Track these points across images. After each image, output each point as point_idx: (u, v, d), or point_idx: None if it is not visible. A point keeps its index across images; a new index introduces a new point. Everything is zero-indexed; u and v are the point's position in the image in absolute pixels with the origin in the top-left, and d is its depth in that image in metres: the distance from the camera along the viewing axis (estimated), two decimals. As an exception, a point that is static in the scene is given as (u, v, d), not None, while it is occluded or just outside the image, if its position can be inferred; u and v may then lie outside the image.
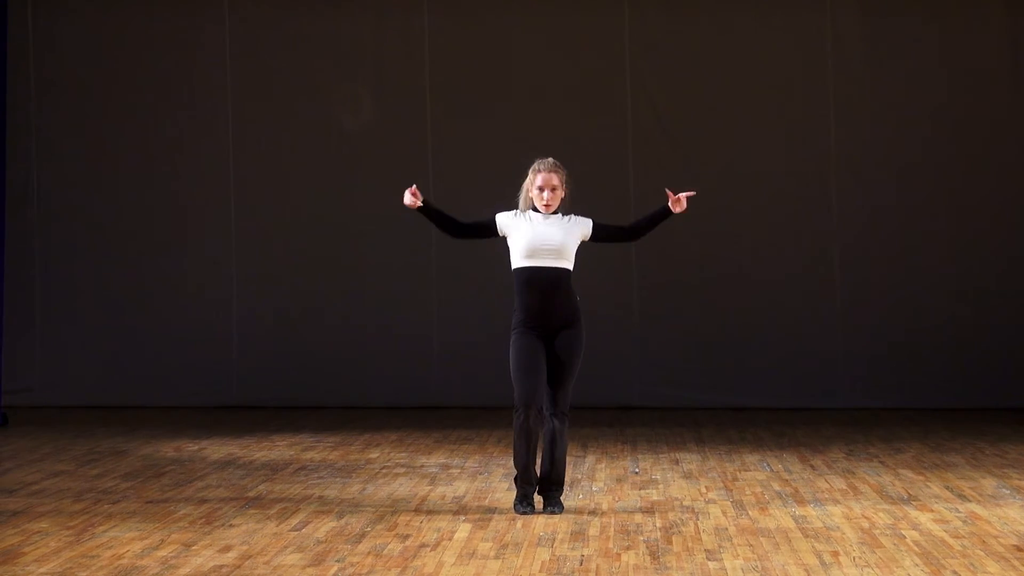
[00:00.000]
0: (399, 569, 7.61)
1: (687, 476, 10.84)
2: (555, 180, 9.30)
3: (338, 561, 7.81)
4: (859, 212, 15.28)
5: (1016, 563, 7.72)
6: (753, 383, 15.16)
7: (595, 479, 10.67)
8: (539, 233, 9.21)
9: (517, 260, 9.25)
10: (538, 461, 9.33)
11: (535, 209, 9.30)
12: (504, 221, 9.33)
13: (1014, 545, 8.19)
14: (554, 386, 9.22)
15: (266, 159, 15.65)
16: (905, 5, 15.24)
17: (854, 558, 7.87)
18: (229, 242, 15.60)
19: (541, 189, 9.28)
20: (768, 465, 11.36)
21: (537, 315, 9.20)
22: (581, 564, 7.73)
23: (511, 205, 9.38)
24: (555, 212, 9.31)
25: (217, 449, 12.31)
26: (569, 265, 9.27)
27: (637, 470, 11.15)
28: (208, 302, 15.57)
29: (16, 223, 14.83)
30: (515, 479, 9.35)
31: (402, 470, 11.10)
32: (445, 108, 15.48)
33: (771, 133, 15.34)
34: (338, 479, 10.69)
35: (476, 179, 14.62)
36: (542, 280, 9.20)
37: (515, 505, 9.23)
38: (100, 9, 15.67)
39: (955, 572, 7.51)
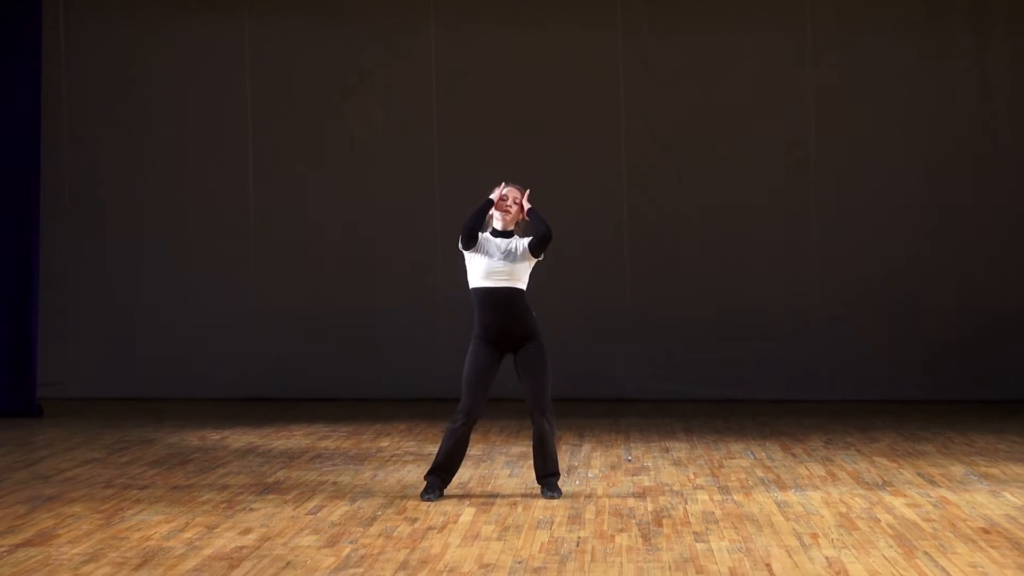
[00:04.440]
0: (408, 550, 7.62)
1: (676, 463, 10.84)
2: (516, 195, 9.32)
3: (351, 543, 7.82)
4: (838, 217, 15.27)
5: (983, 544, 7.73)
6: (738, 377, 15.16)
7: (591, 466, 10.68)
8: (493, 259, 9.21)
9: (474, 280, 9.28)
10: (460, 464, 9.36)
11: (494, 231, 9.29)
12: (479, 243, 9.29)
13: (981, 528, 8.20)
14: (533, 392, 9.22)
15: (283, 164, 15.66)
16: (879, 26, 15.23)
17: (832, 540, 7.89)
18: (248, 244, 15.60)
19: (504, 199, 9.29)
20: (752, 453, 11.37)
21: (494, 331, 9.23)
22: (578, 545, 7.74)
23: None
24: (511, 234, 9.29)
25: (238, 438, 12.32)
26: (522, 285, 9.27)
27: (630, 458, 11.15)
28: (230, 301, 15.57)
29: (49, 226, 14.82)
30: (428, 471, 9.33)
31: (411, 458, 11.11)
32: (449, 120, 15.47)
33: (756, 144, 15.31)
34: (351, 466, 10.70)
35: (478, 185, 14.56)
36: (496, 299, 9.22)
37: (423, 493, 9.19)
38: (128, 22, 15.66)
39: (926, 553, 7.52)
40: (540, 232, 9.22)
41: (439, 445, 9.36)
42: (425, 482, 9.29)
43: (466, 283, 9.33)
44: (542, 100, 15.40)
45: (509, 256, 9.22)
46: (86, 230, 15.65)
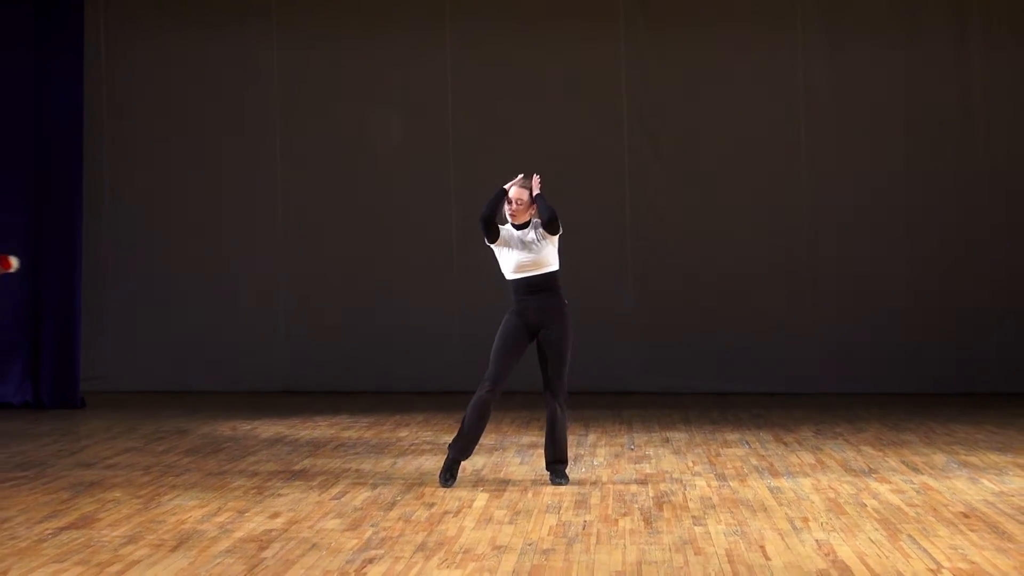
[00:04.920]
0: (426, 533, 7.63)
1: (676, 452, 10.84)
2: (523, 196, 9.31)
3: (372, 526, 7.83)
4: (827, 222, 15.27)
5: (963, 528, 7.73)
6: (734, 371, 15.16)
7: (596, 455, 10.69)
8: (518, 253, 9.21)
9: (507, 274, 9.29)
10: (480, 435, 9.32)
11: (513, 225, 9.29)
12: (501, 236, 9.30)
13: (961, 512, 8.20)
14: (550, 375, 9.22)
15: (309, 171, 15.67)
16: (866, 44, 15.22)
17: (822, 523, 7.89)
18: (276, 247, 15.62)
19: (510, 203, 9.28)
20: (747, 443, 11.36)
21: (528, 308, 9.21)
22: (584, 529, 7.75)
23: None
24: (526, 225, 9.30)
25: (267, 428, 12.34)
26: (552, 268, 9.26)
27: (633, 447, 11.15)
28: (258, 301, 15.59)
29: (90, 227, 14.85)
30: (451, 444, 9.30)
31: (428, 447, 11.12)
32: (464, 129, 15.48)
33: (751, 151, 15.31)
34: (372, 455, 10.71)
35: (491, 190, 14.60)
36: (531, 286, 9.22)
37: (440, 476, 9.19)
38: (164, 35, 15.67)
39: (910, 536, 7.52)
40: (544, 218, 9.18)
41: (465, 415, 9.25)
42: (446, 458, 9.25)
43: (500, 274, 9.34)
44: (550, 107, 15.41)
45: (531, 247, 9.21)
46: (124, 232, 15.66)
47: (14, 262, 10.76)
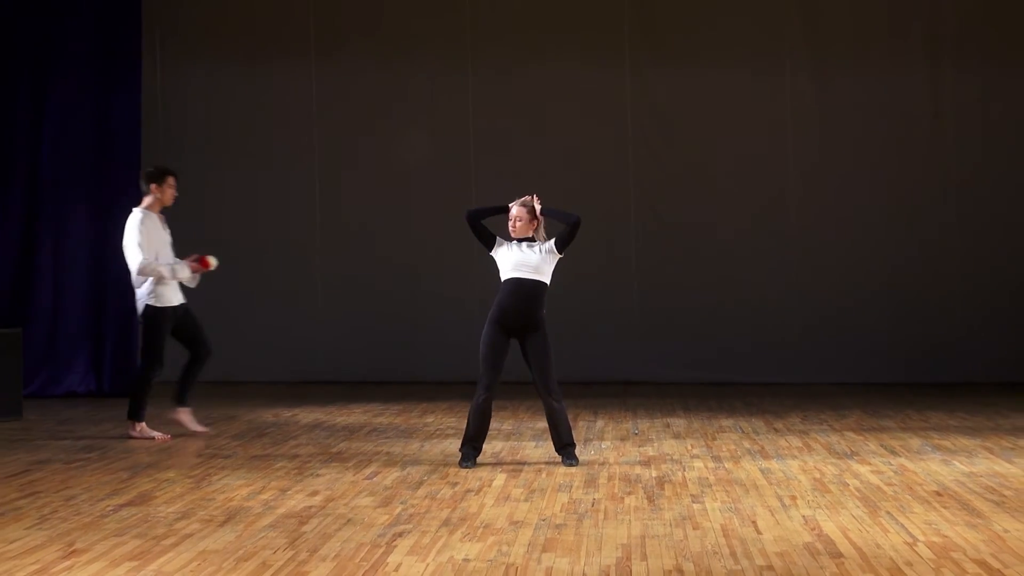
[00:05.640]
0: (450, 510, 7.64)
1: (676, 436, 10.84)
2: (523, 214, 9.29)
3: (402, 503, 7.85)
4: (814, 230, 15.28)
5: (936, 505, 7.72)
6: (729, 363, 15.15)
7: (603, 439, 10.69)
8: (523, 254, 9.21)
9: (504, 273, 9.27)
10: (487, 432, 9.37)
11: (518, 240, 9.29)
12: (499, 243, 9.31)
13: (935, 491, 8.19)
14: (540, 376, 9.19)
15: (344, 183, 15.70)
16: (846, 69, 15.24)
17: (808, 501, 7.88)
18: (315, 253, 15.65)
19: (510, 220, 9.32)
20: (740, 428, 11.36)
21: (510, 315, 9.19)
22: (593, 506, 7.76)
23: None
24: (532, 239, 9.29)
25: (307, 415, 12.36)
26: (546, 279, 9.24)
27: (637, 431, 11.16)
28: (298, 302, 15.59)
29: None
30: (462, 444, 9.31)
31: (452, 432, 11.12)
32: (485, 147, 15.51)
33: (744, 164, 15.34)
34: (401, 439, 10.72)
35: (507, 198, 14.63)
36: (522, 289, 9.19)
37: (460, 463, 9.19)
38: (214, 66, 15.71)
39: (888, 512, 7.51)
40: (571, 220, 9.16)
41: (468, 418, 9.32)
42: (460, 453, 9.30)
43: (499, 280, 9.33)
44: (563, 124, 15.44)
45: (533, 254, 9.20)
46: (177, 241, 15.66)
47: (212, 262, 10.86)
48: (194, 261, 10.82)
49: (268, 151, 15.69)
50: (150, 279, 10.60)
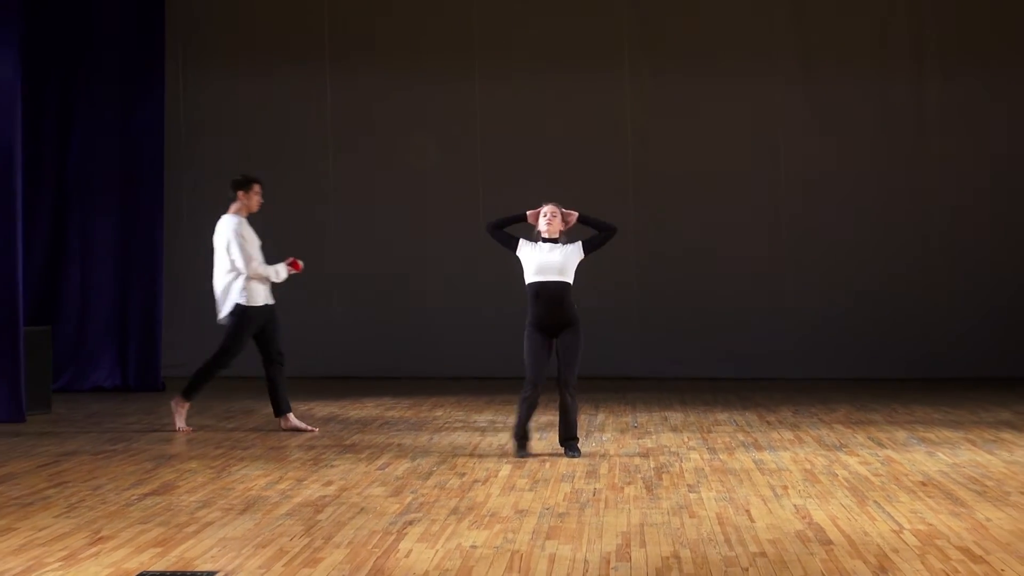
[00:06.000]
0: (458, 499, 7.64)
1: (674, 429, 10.84)
2: (557, 211, 9.35)
3: (412, 493, 7.85)
4: (805, 232, 15.28)
5: (921, 494, 7.72)
6: (724, 360, 15.15)
7: (604, 431, 10.69)
8: (545, 256, 9.23)
9: (528, 276, 9.28)
10: (531, 423, 9.41)
11: (543, 239, 9.32)
12: (522, 243, 9.34)
13: (920, 481, 8.18)
14: (564, 369, 9.23)
15: (359, 189, 15.70)
16: (835, 76, 15.25)
17: (799, 491, 7.88)
18: (330, 253, 15.64)
19: (544, 215, 9.33)
20: (734, 421, 11.36)
21: (545, 321, 9.23)
22: (594, 495, 7.76)
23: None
24: (556, 240, 9.32)
25: (322, 408, 12.37)
26: (569, 280, 9.27)
27: (636, 424, 11.16)
28: (313, 301, 15.58)
29: (171, 235, 14.94)
30: (514, 434, 9.38)
31: (460, 424, 11.13)
32: (491, 153, 15.52)
33: (738, 167, 15.34)
34: (412, 431, 10.72)
35: (515, 206, 14.65)
36: (548, 293, 9.21)
37: (516, 452, 9.26)
38: (233, 75, 15.75)
39: (875, 502, 7.51)
40: (609, 228, 9.31)
41: (517, 411, 9.35)
42: (515, 443, 9.33)
43: (521, 280, 9.35)
44: (565, 130, 15.45)
45: (556, 255, 9.23)
46: (199, 242, 15.66)
47: (302, 265, 10.88)
48: (289, 264, 10.83)
49: (283, 153, 15.66)
50: (239, 280, 10.58)
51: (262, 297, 10.70)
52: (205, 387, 10.85)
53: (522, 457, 9.15)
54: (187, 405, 10.79)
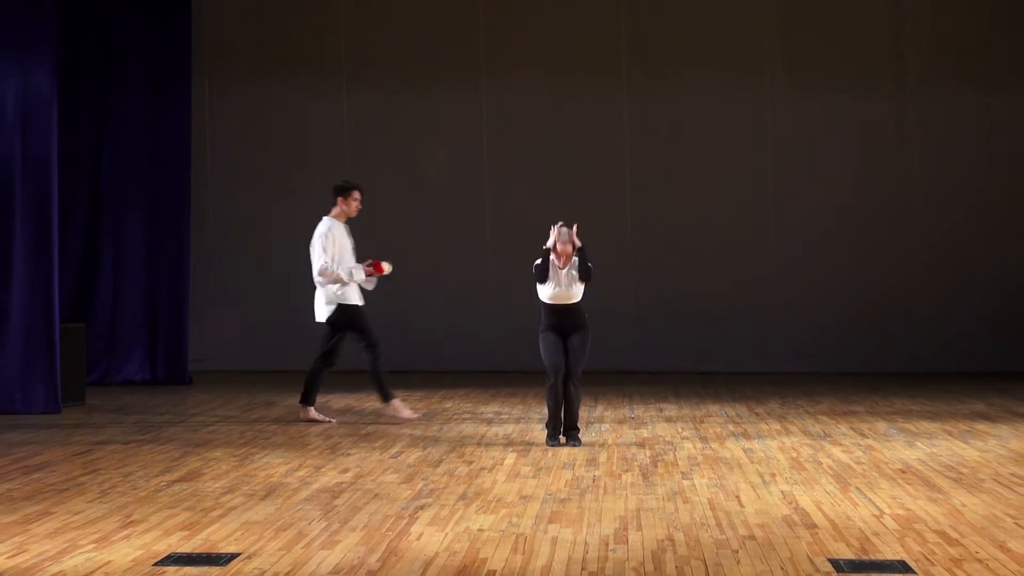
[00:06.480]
0: (466, 485, 7.65)
1: (668, 420, 10.84)
2: (567, 250, 9.40)
3: (423, 480, 7.86)
4: (791, 237, 15.24)
5: (901, 482, 7.72)
6: (716, 355, 15.12)
7: (603, 422, 10.69)
8: (556, 288, 9.37)
9: (543, 299, 9.43)
10: (562, 409, 9.41)
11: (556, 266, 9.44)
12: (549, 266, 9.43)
13: (899, 469, 8.18)
14: (572, 363, 9.31)
15: (374, 195, 15.63)
16: (820, 89, 15.19)
17: (786, 478, 7.88)
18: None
19: (558, 256, 9.42)
20: (725, 412, 11.36)
21: (556, 328, 9.38)
22: (594, 482, 7.76)
23: (544, 237, 9.44)
24: (567, 267, 9.40)
25: (338, 400, 12.37)
26: (578, 299, 9.44)
27: (633, 415, 11.16)
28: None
29: (197, 236, 14.96)
30: (546, 423, 9.43)
31: (467, 416, 11.14)
32: (498, 160, 15.50)
33: (729, 175, 15.30)
34: (422, 421, 10.72)
35: (520, 212, 14.71)
36: (559, 311, 9.42)
37: (547, 440, 9.28)
38: (256, 86, 15.67)
39: (858, 488, 7.51)
40: (583, 275, 9.36)
41: (547, 402, 9.45)
42: (546, 430, 9.41)
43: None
44: (568, 138, 15.41)
45: (567, 283, 9.37)
46: (224, 243, 15.70)
47: (387, 267, 10.84)
48: (368, 266, 10.78)
49: (303, 160, 15.66)
50: (336, 283, 10.58)
51: (355, 297, 10.68)
52: (319, 387, 10.77)
53: (552, 446, 9.18)
54: (311, 408, 10.69)
